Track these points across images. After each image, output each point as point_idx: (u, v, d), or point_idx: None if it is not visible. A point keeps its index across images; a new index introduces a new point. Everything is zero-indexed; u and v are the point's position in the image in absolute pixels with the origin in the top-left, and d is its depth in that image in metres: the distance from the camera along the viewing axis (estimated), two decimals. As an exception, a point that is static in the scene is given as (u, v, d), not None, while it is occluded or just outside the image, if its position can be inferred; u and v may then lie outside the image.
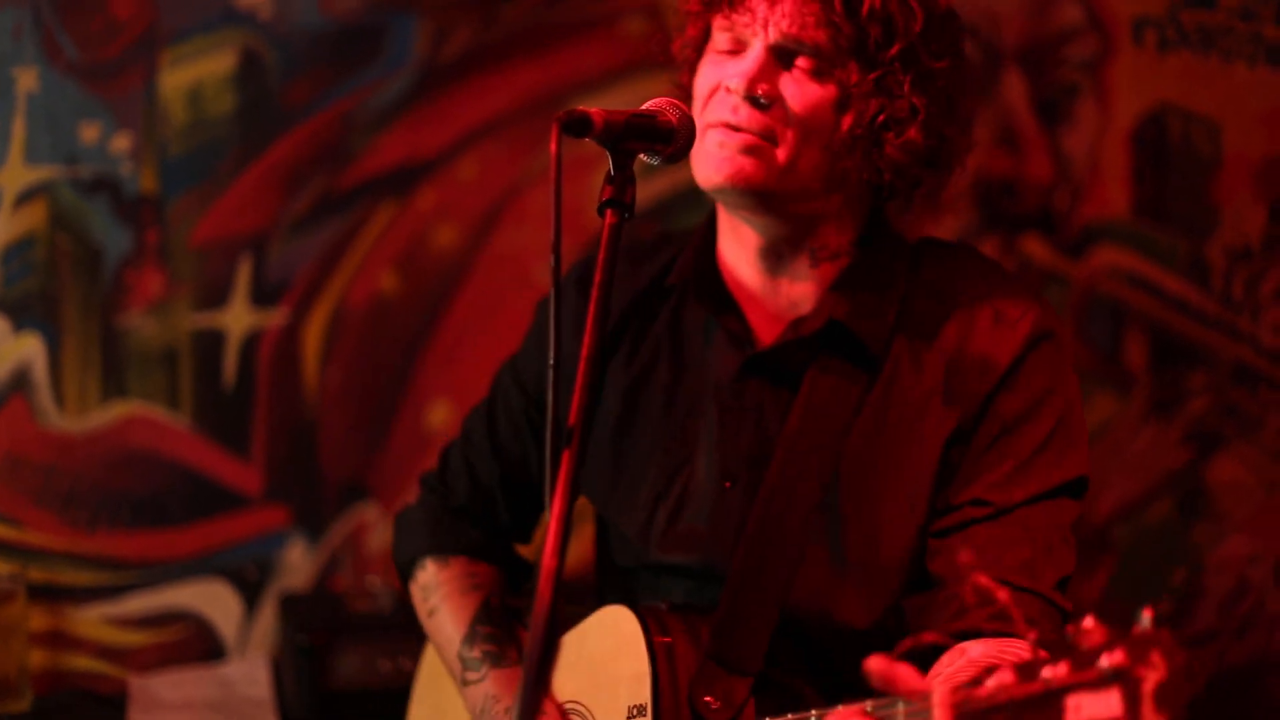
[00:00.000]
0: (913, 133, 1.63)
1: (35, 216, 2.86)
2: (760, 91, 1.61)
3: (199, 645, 2.96)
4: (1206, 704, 2.97)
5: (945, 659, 1.56)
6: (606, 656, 1.69)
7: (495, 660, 1.77)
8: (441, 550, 1.90)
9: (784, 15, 1.61)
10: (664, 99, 1.55)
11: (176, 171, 2.88)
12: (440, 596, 1.87)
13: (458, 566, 1.89)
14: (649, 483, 1.76)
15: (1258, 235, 3.05)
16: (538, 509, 1.93)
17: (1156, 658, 1.14)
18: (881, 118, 1.63)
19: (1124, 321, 3.08)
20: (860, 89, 1.62)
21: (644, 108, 1.53)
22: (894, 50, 1.62)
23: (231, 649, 2.98)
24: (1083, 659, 1.16)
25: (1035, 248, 3.08)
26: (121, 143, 2.87)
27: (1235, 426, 3.06)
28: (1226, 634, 3.06)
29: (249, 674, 2.91)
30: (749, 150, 1.62)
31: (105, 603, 2.92)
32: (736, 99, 1.62)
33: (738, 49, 1.66)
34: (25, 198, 2.85)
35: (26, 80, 2.83)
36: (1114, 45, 3.04)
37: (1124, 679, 1.14)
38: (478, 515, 1.92)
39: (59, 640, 2.91)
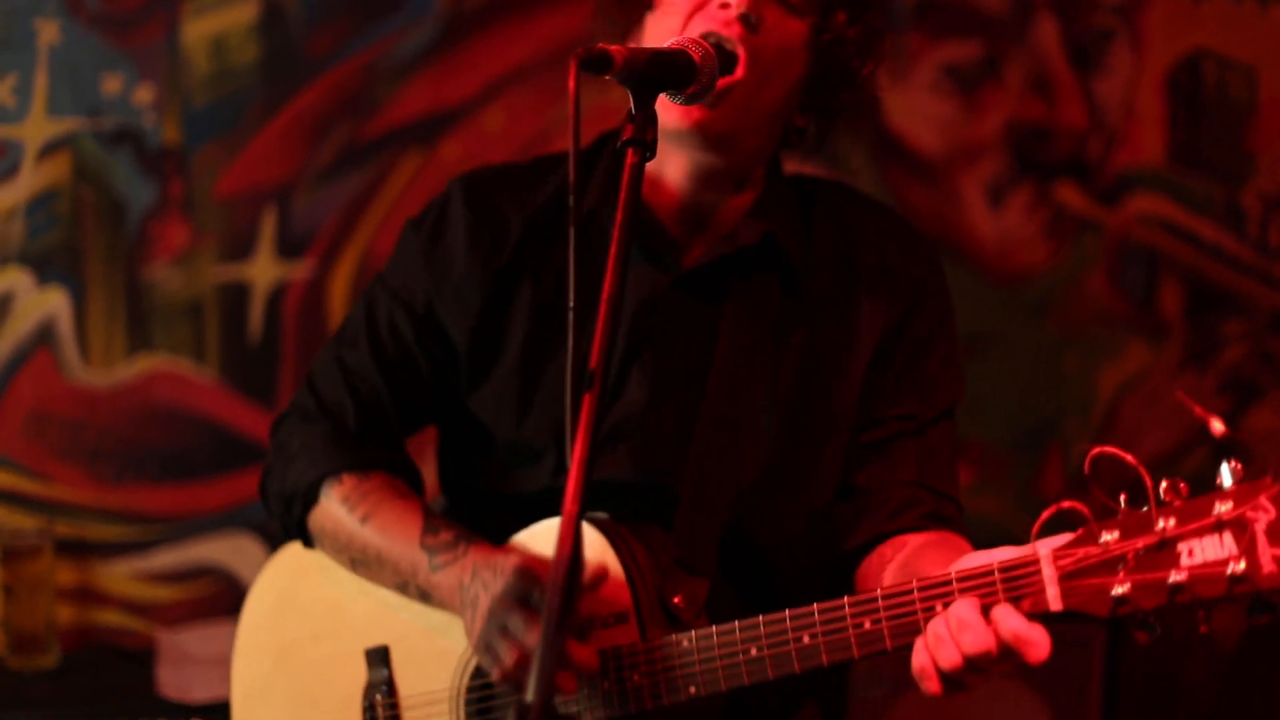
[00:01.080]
0: (855, 88, 1.72)
1: (59, 169, 2.84)
2: (758, 11, 1.62)
3: (227, 599, 2.95)
4: (1248, 654, 2.93)
5: (887, 547, 1.70)
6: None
7: (469, 538, 1.72)
8: (358, 466, 1.83)
9: None
10: (686, 37, 1.54)
11: (200, 123, 2.86)
12: (373, 503, 1.79)
13: (380, 477, 1.83)
14: (560, 400, 1.69)
15: (1294, 181, 3.02)
16: (420, 424, 1.90)
17: (1264, 501, 1.28)
18: (836, 68, 1.69)
19: (1159, 270, 3.04)
20: (831, 35, 1.67)
21: (666, 45, 1.51)
22: (871, 7, 1.69)
23: (259, 604, 2.97)
24: (1190, 511, 1.30)
25: (1069, 195, 3.05)
26: (144, 94, 2.85)
27: (1272, 375, 3.03)
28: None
29: (277, 628, 2.91)
30: (721, 98, 1.62)
31: (133, 557, 2.92)
32: (730, 15, 1.61)
33: None
34: (48, 150, 2.83)
35: (48, 32, 2.81)
36: (1148, -11, 2.99)
37: (1234, 523, 1.27)
38: (375, 436, 1.86)
39: (86, 595, 2.91)
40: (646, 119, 1.42)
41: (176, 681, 2.72)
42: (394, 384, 1.84)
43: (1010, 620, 1.38)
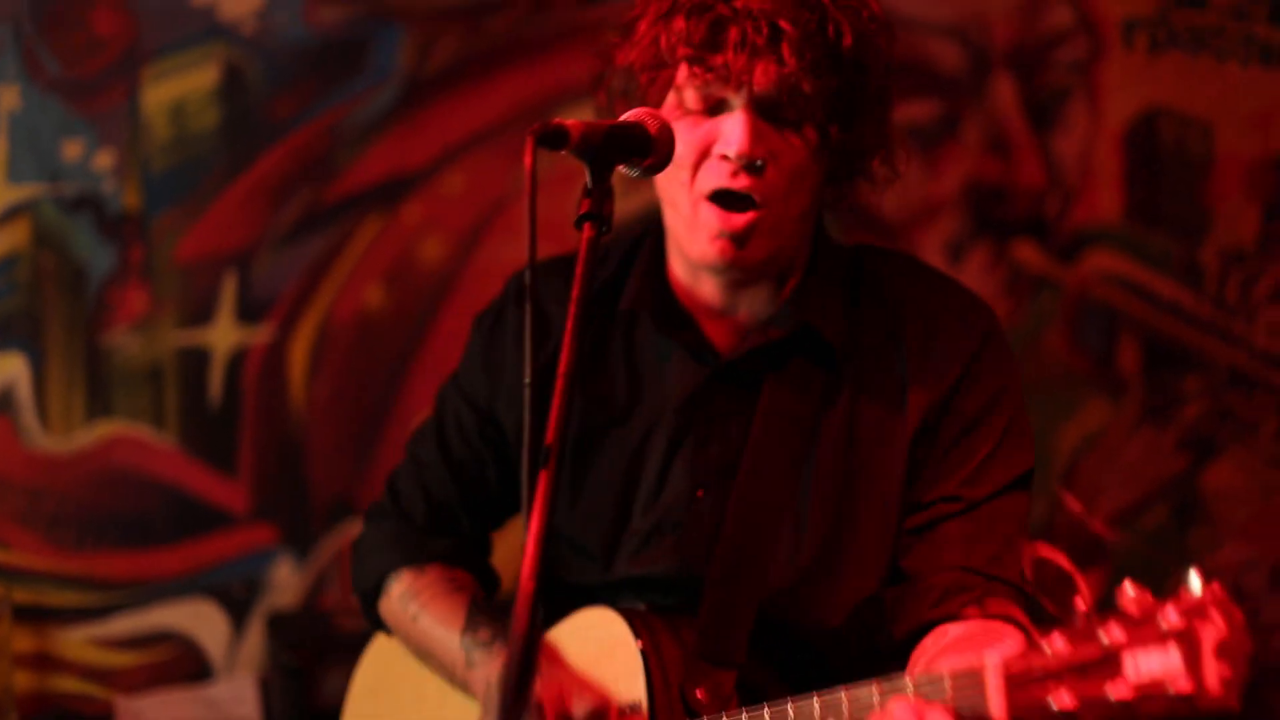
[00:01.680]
0: (877, 162, 1.69)
1: (18, 235, 2.84)
2: (757, 155, 1.60)
3: (186, 665, 2.93)
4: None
5: (929, 639, 1.64)
6: (594, 658, 1.69)
7: (504, 635, 1.74)
8: (415, 560, 1.88)
9: (764, 69, 1.59)
10: (643, 109, 1.53)
11: (160, 188, 2.86)
12: (423, 601, 1.85)
13: (435, 572, 1.87)
14: (608, 501, 1.76)
15: (1251, 237, 3.03)
16: (496, 521, 1.94)
17: (1215, 615, 1.19)
18: (854, 154, 1.67)
19: (1117, 326, 3.06)
20: (839, 131, 1.63)
21: (623, 119, 1.50)
22: (870, 90, 1.64)
23: (219, 669, 2.95)
24: (1133, 621, 1.22)
25: (1027, 253, 3.06)
26: (104, 160, 2.85)
27: (1231, 432, 3.04)
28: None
29: (236, 694, 2.89)
30: (746, 235, 1.62)
31: (91, 623, 2.90)
32: (734, 166, 1.60)
33: (712, 107, 1.63)
34: (8, 216, 2.83)
35: (8, 98, 2.81)
36: (1104, 47, 3.02)
37: (1181, 636, 1.19)
38: (443, 530, 1.91)
39: (44, 662, 2.88)
40: (603, 193, 1.42)
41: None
42: (461, 480, 1.87)
43: None
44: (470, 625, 1.78)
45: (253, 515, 2.95)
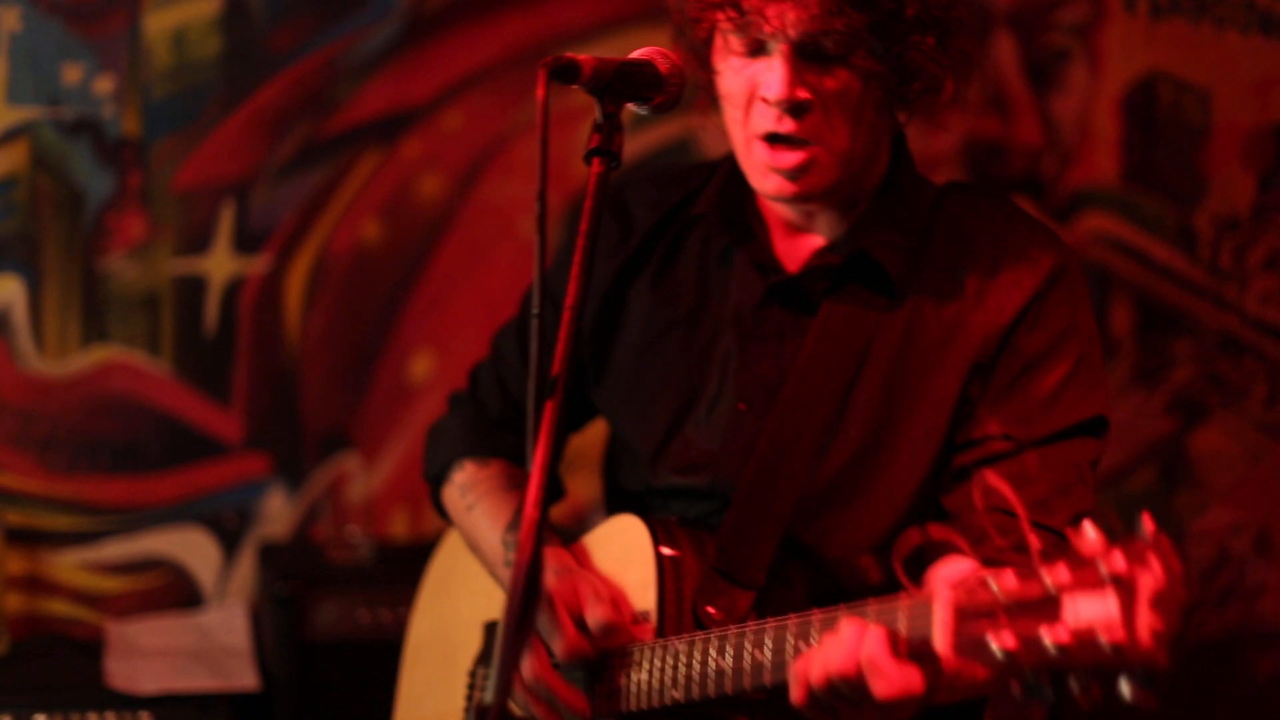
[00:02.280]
0: (934, 83, 1.65)
1: (16, 157, 2.84)
2: (800, 97, 1.60)
3: (177, 592, 2.96)
4: (1185, 675, 2.97)
5: (943, 564, 1.58)
6: (615, 563, 1.72)
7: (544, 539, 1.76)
8: (480, 453, 1.92)
9: (795, 12, 1.58)
10: (654, 48, 1.54)
11: (159, 115, 2.86)
12: (480, 493, 1.88)
13: (497, 466, 1.91)
14: (665, 404, 1.77)
15: (1246, 205, 3.05)
16: (573, 422, 1.93)
17: (1154, 563, 1.14)
18: (907, 80, 1.64)
19: (1110, 288, 3.07)
20: (885, 62, 1.61)
21: (633, 56, 1.52)
22: (910, 14, 1.61)
23: (210, 597, 2.98)
24: (1080, 563, 1.16)
25: (1023, 212, 3.07)
26: (104, 84, 2.84)
27: (1219, 396, 3.07)
28: (1206, 604, 3.07)
29: (227, 622, 2.91)
30: (801, 171, 1.62)
31: (83, 548, 2.91)
32: (777, 110, 1.61)
33: (755, 49, 1.64)
34: (6, 138, 2.83)
35: (9, 19, 2.80)
36: (1106, 10, 3.02)
37: (1120, 583, 1.14)
38: (513, 426, 1.93)
39: (36, 585, 2.90)
40: (613, 129, 1.44)
41: (124, 673, 2.72)
42: None
43: (873, 645, 1.34)
44: (514, 524, 1.79)
45: (246, 445, 2.96)
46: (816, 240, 1.74)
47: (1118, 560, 1.15)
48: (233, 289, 2.93)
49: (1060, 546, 1.48)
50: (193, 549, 2.96)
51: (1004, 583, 1.22)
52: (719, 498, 1.72)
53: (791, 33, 1.58)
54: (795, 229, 1.74)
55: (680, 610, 1.63)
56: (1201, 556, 3.07)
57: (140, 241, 2.89)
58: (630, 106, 1.50)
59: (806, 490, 1.67)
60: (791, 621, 1.48)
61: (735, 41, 1.64)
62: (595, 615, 1.63)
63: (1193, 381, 3.07)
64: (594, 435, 2.00)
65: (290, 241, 2.94)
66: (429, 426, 2.02)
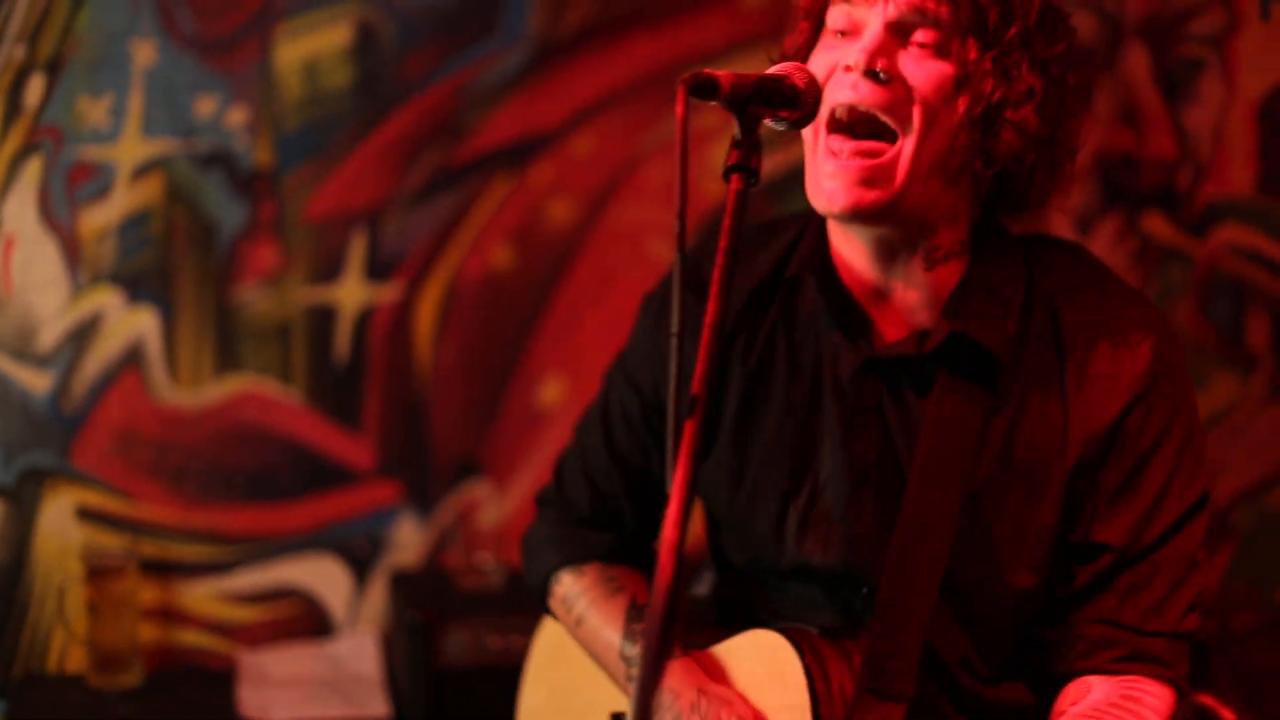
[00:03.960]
0: (1029, 114, 1.58)
1: (151, 190, 2.86)
2: (880, 66, 1.56)
3: (308, 621, 2.95)
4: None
5: (1070, 690, 1.62)
6: (759, 683, 1.66)
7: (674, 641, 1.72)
8: (574, 560, 1.87)
9: None
10: (790, 63, 1.52)
11: (291, 145, 2.87)
12: (585, 604, 1.83)
13: (594, 573, 1.85)
14: (776, 480, 1.72)
15: (1382, 214, 2.99)
16: (661, 513, 1.88)
17: None
18: (998, 97, 1.57)
19: (1247, 301, 3.02)
20: (979, 67, 1.57)
21: (771, 71, 1.50)
22: (1013, 31, 1.57)
23: (341, 625, 2.97)
24: None
25: (1157, 225, 3.03)
26: (237, 116, 2.86)
27: (1360, 407, 3.00)
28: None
29: (358, 651, 2.90)
30: (867, 182, 1.57)
31: (216, 578, 2.92)
32: (856, 75, 1.57)
33: (852, 30, 1.61)
34: (142, 171, 2.85)
35: (144, 54, 2.83)
36: (1240, 19, 2.98)
37: None
38: (603, 523, 1.89)
39: (169, 615, 2.91)
40: (752, 145, 1.41)
41: (257, 702, 2.72)
42: (625, 469, 1.86)
43: None
44: (629, 633, 1.76)
45: (377, 473, 2.96)
46: (904, 309, 1.66)
47: None
48: (364, 317, 2.94)
49: (1171, 649, 1.61)
50: (324, 578, 2.96)
51: None
52: (852, 583, 1.67)
53: (891, 8, 1.56)
54: (881, 294, 1.67)
55: None
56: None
57: (272, 271, 2.90)
58: (767, 122, 1.47)
59: (937, 593, 1.62)
60: None
61: (837, 19, 1.61)
62: None
63: (1332, 395, 3.01)
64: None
65: (421, 269, 2.95)
66: (523, 535, 1.95)
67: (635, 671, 1.67)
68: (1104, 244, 2.99)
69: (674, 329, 1.35)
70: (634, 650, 1.75)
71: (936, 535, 1.62)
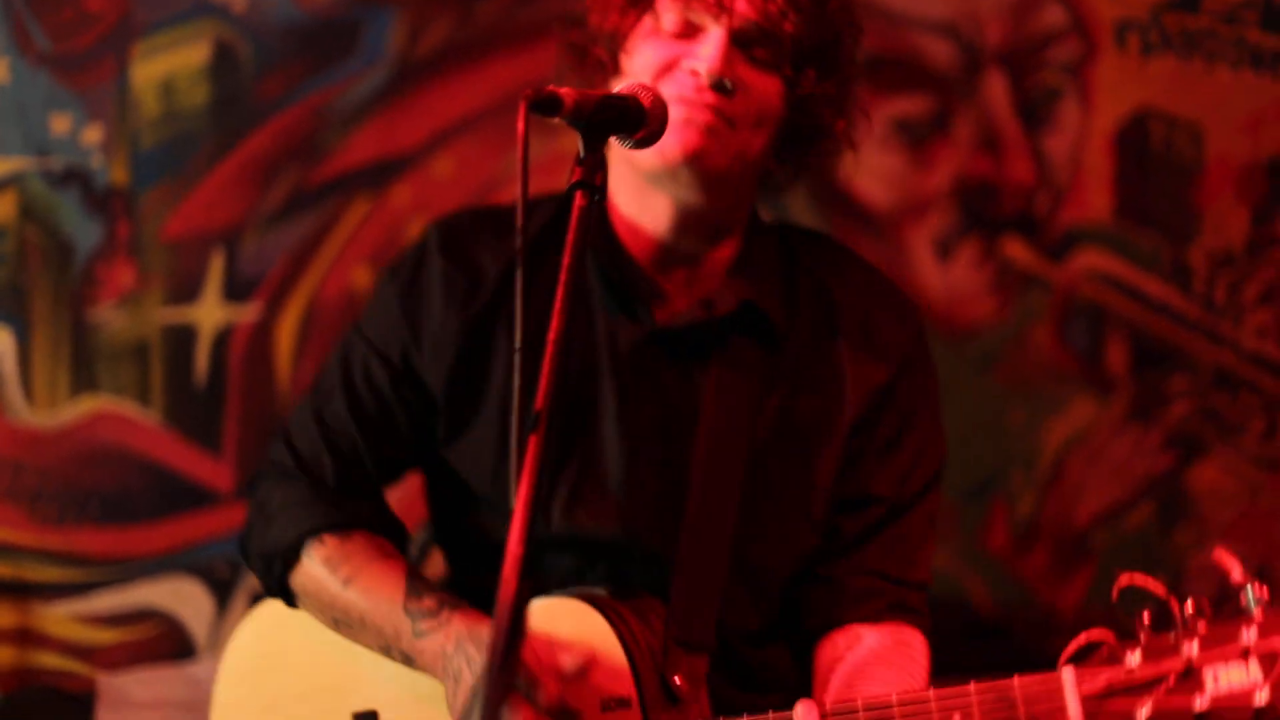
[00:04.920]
0: (834, 137, 1.74)
1: (5, 208, 2.83)
2: (729, 76, 1.62)
3: (169, 644, 2.93)
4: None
5: (838, 639, 1.72)
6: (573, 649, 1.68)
7: (453, 604, 1.71)
8: (338, 525, 1.82)
9: (752, 2, 1.63)
10: (637, 83, 1.54)
11: (148, 164, 2.85)
12: (355, 565, 1.79)
13: (361, 537, 1.82)
14: (544, 453, 1.74)
15: (1240, 240, 3.04)
16: (399, 474, 1.90)
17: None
18: (809, 123, 1.71)
19: (1105, 325, 3.06)
20: (805, 89, 1.67)
21: (617, 90, 1.52)
22: (841, 54, 1.70)
23: (203, 648, 2.95)
24: (1213, 637, 1.32)
25: (1016, 250, 3.06)
26: (93, 134, 2.84)
27: (1216, 431, 3.05)
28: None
29: (218, 673, 2.89)
30: (710, 130, 1.63)
31: (74, 600, 2.89)
32: (699, 82, 1.62)
33: (687, 32, 1.65)
34: (-5, 189, 2.82)
35: (-3, 70, 2.80)
36: (1097, 48, 3.02)
37: (1263, 652, 1.30)
38: (356, 491, 1.87)
39: (26, 637, 2.88)
40: (595, 162, 1.43)
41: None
42: (372, 437, 1.84)
43: None
44: (412, 592, 1.74)
45: (237, 494, 2.94)
46: (684, 283, 1.74)
47: (1251, 632, 1.31)
48: (223, 338, 2.92)
49: (920, 599, 1.75)
50: (185, 599, 2.94)
51: (1135, 661, 1.36)
52: (633, 551, 1.71)
53: (738, 18, 1.62)
54: (666, 264, 1.74)
55: (654, 687, 1.63)
56: (1202, 594, 3.04)
57: (129, 291, 2.88)
58: (613, 140, 1.49)
59: (731, 555, 1.70)
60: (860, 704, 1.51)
61: (670, 20, 1.66)
62: (571, 660, 1.60)
63: (1189, 417, 3.05)
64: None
65: (280, 290, 2.93)
66: (253, 502, 1.89)
67: (424, 625, 1.71)
68: (963, 268, 3.03)
69: (517, 344, 1.38)
70: (419, 604, 1.72)
71: (726, 496, 1.71)
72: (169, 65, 2.85)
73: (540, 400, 1.33)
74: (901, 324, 1.78)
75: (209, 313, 2.91)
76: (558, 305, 1.39)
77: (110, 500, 2.89)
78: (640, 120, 1.50)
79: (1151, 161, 3.03)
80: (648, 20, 1.70)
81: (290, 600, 1.86)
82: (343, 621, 1.79)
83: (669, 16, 1.67)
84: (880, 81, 2.96)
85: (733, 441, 1.71)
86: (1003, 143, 3.03)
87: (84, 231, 2.85)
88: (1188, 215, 3.03)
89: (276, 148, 2.90)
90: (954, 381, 3.02)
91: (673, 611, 1.67)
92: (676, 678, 1.64)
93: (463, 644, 1.66)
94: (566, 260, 1.39)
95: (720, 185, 1.68)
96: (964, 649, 2.08)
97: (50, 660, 2.89)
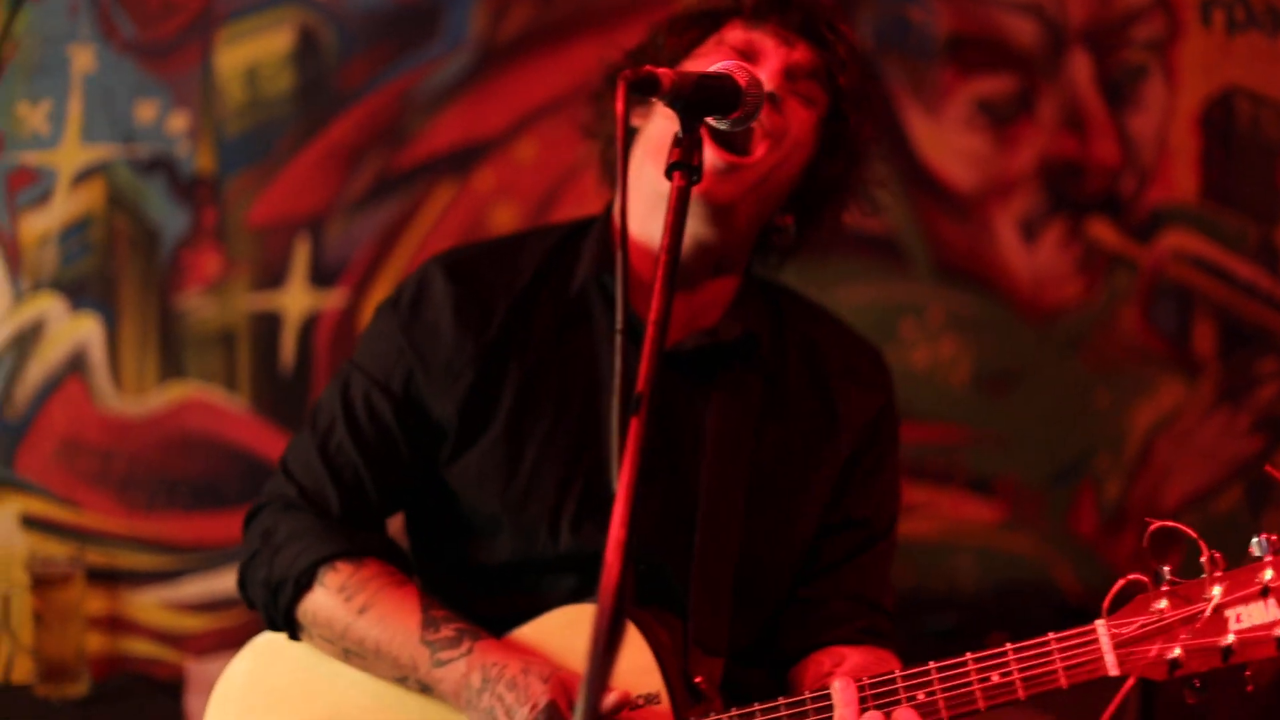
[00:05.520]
0: (848, 187, 1.83)
1: (92, 196, 2.84)
2: (780, 91, 1.69)
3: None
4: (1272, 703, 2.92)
5: (822, 658, 1.77)
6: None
7: (474, 634, 1.71)
8: (350, 553, 1.79)
9: (802, 42, 1.75)
10: (733, 62, 1.54)
11: (233, 151, 2.86)
12: (370, 593, 1.75)
13: (375, 565, 1.79)
14: (554, 469, 1.76)
15: (1327, 219, 3.01)
16: (400, 505, 1.90)
17: None
18: (830, 171, 1.78)
19: (1192, 306, 3.04)
20: (848, 131, 1.76)
21: (713, 69, 1.52)
22: (862, 123, 1.78)
23: (288, 633, 2.96)
24: (1238, 579, 1.43)
25: (1102, 231, 3.04)
26: (178, 122, 2.84)
27: (1305, 413, 3.02)
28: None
29: (305, 658, 2.90)
30: (730, 171, 1.68)
31: (163, 586, 2.91)
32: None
33: (748, 52, 1.73)
34: (82, 177, 2.83)
35: (83, 59, 2.81)
36: (1182, 26, 2.99)
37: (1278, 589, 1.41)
38: (360, 521, 1.85)
39: (116, 624, 2.90)
40: (693, 142, 1.43)
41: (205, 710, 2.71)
42: (375, 466, 1.83)
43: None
44: (429, 622, 1.73)
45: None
46: (685, 312, 1.79)
47: (1267, 573, 1.43)
48: (309, 324, 2.93)
49: (890, 625, 1.85)
50: (271, 585, 2.95)
51: (1165, 602, 1.46)
52: (645, 570, 1.72)
53: (798, 52, 1.73)
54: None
55: (679, 684, 1.67)
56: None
57: (216, 278, 2.89)
58: (709, 120, 1.50)
59: (734, 565, 1.76)
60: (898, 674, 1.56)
61: (736, 36, 1.75)
62: (607, 700, 1.60)
63: (1278, 399, 3.03)
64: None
65: (365, 275, 2.94)
66: (258, 532, 1.86)
67: (445, 654, 1.70)
68: (1049, 249, 3.01)
69: (618, 326, 1.40)
70: (437, 634, 1.71)
71: (731, 512, 1.76)
72: (253, 52, 2.86)
73: (641, 383, 1.34)
74: (879, 369, 1.90)
75: (295, 299, 2.92)
76: (658, 285, 1.38)
77: (198, 487, 2.90)
78: (736, 100, 1.50)
79: (1237, 141, 3.00)
80: (711, 41, 1.77)
81: (294, 632, 1.82)
82: (355, 652, 1.76)
83: (734, 34, 1.74)
84: (964, 61, 2.95)
85: (737, 462, 1.77)
86: (1087, 122, 3.00)
87: (171, 219, 2.86)
88: (1274, 195, 3.01)
89: (360, 134, 2.90)
90: (1040, 364, 3.01)
91: (693, 619, 1.71)
92: (698, 678, 1.68)
93: (494, 684, 1.65)
94: (665, 241, 1.39)
95: (735, 216, 1.73)
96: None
97: (140, 647, 2.91)
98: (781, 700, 1.59)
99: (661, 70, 1.43)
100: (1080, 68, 2.99)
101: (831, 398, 1.84)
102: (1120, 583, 1.49)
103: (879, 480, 1.86)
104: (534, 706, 1.59)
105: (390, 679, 1.75)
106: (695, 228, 1.73)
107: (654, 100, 1.48)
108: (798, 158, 1.74)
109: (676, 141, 1.43)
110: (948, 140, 2.94)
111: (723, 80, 1.49)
